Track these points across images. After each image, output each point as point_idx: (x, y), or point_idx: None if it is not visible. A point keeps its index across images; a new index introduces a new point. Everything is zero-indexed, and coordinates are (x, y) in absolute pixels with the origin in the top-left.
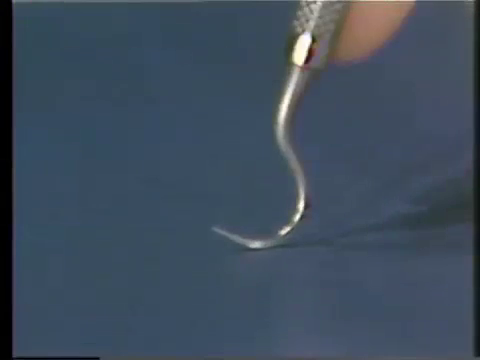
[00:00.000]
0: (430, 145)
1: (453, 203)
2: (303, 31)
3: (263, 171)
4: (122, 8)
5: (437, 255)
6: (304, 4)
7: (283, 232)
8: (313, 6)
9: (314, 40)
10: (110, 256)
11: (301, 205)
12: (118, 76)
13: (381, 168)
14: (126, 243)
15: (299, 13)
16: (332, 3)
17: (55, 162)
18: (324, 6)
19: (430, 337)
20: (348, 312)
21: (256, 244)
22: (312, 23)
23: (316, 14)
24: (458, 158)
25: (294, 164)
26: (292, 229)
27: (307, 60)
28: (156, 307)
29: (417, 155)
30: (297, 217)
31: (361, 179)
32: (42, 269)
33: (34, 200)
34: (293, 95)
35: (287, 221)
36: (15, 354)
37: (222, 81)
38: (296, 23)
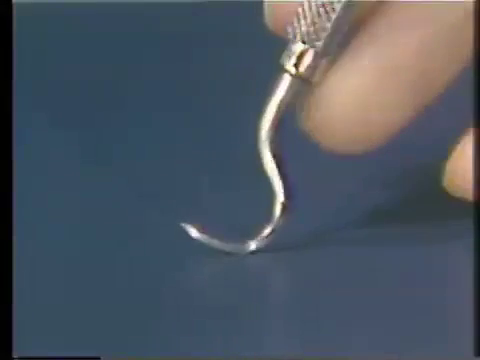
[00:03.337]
0: (428, 142)
1: (453, 200)
2: (297, 39)
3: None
4: (122, 8)
5: (437, 254)
6: (300, 12)
7: (265, 234)
8: (308, 14)
9: (306, 48)
10: (111, 256)
11: (278, 208)
12: (118, 76)
13: (376, 163)
14: (125, 242)
15: (294, 20)
16: (328, 13)
17: (55, 162)
18: (319, 16)
19: (430, 337)
20: (346, 312)
21: (239, 248)
22: (305, 31)
23: (310, 23)
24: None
25: (273, 168)
26: (274, 230)
27: (298, 67)
28: (156, 307)
29: (413, 151)
30: (276, 218)
31: (354, 174)
32: (42, 269)
33: (34, 200)
34: (281, 101)
35: (268, 222)
36: (15, 354)
37: (220, 82)
38: (290, 30)
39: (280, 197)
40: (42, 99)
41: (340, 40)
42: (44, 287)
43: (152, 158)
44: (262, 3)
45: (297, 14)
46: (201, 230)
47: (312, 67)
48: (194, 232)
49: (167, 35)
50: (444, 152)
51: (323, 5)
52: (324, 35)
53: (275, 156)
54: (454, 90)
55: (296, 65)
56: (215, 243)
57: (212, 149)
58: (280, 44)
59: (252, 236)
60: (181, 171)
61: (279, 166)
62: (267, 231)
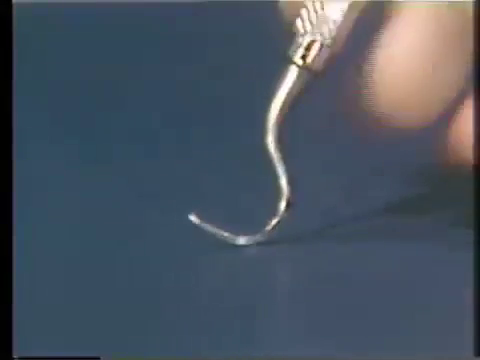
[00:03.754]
0: (426, 138)
1: (452, 195)
2: (305, 31)
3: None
4: (122, 8)
5: (437, 254)
6: (309, 4)
7: (269, 227)
8: (317, 6)
9: (315, 40)
10: (111, 256)
11: (284, 200)
12: (118, 76)
13: (377, 159)
14: (125, 242)
15: (303, 13)
16: (338, 6)
17: (55, 162)
18: (328, 8)
19: (430, 337)
20: (345, 311)
21: (242, 240)
22: (315, 24)
23: (319, 16)
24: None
25: (279, 161)
26: (278, 223)
27: (306, 59)
28: (156, 307)
29: (412, 147)
30: (281, 211)
31: (350, 167)
32: (42, 269)
33: (34, 200)
34: (288, 93)
35: (272, 215)
36: (15, 354)
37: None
38: (299, 23)
39: (284, 189)
40: (42, 99)
41: (346, 35)
42: (44, 287)
43: (152, 158)
44: (262, 3)
45: (306, 7)
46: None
47: (319, 59)
48: (202, 223)
49: (167, 35)
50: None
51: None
52: (333, 28)
53: (280, 148)
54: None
55: (304, 57)
56: (223, 235)
57: (212, 148)
58: (280, 44)
59: (254, 232)
60: (181, 171)
61: (284, 158)
62: (272, 224)
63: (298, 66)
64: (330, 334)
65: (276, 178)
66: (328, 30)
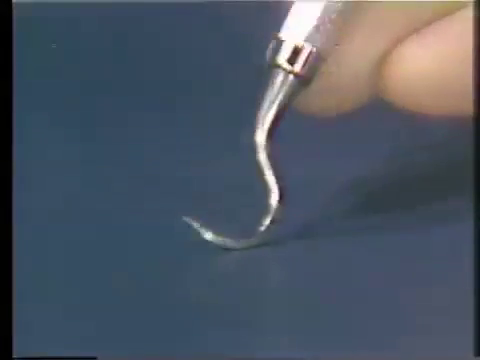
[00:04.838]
0: (426, 130)
1: (452, 191)
2: (293, 36)
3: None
4: (122, 8)
5: (436, 253)
6: (297, 8)
7: (262, 227)
8: (306, 12)
9: (303, 45)
10: (110, 256)
11: (274, 201)
12: (118, 76)
13: (374, 154)
14: (124, 242)
15: (290, 19)
16: (326, 12)
17: (54, 162)
18: (317, 11)
19: (430, 337)
20: (343, 311)
21: (235, 243)
22: (302, 29)
23: (309, 19)
24: (452, 144)
25: (267, 166)
26: (271, 224)
27: (293, 64)
28: (153, 307)
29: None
30: (273, 211)
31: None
32: (42, 269)
33: (34, 199)
34: (274, 98)
35: (264, 216)
36: (15, 354)
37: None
38: (287, 27)
39: (274, 194)
40: (42, 99)
41: (337, 38)
42: (44, 287)
43: (152, 158)
44: (262, 3)
45: (294, 11)
46: (201, 224)
47: (308, 64)
48: (197, 225)
49: (167, 35)
50: (440, 141)
51: (323, 3)
52: (322, 33)
53: (270, 154)
54: None
55: (291, 62)
56: (214, 238)
57: (212, 148)
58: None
59: (249, 233)
60: (181, 170)
61: (274, 163)
62: (262, 227)
63: (286, 71)
64: (329, 334)
65: (268, 180)
66: (317, 37)
